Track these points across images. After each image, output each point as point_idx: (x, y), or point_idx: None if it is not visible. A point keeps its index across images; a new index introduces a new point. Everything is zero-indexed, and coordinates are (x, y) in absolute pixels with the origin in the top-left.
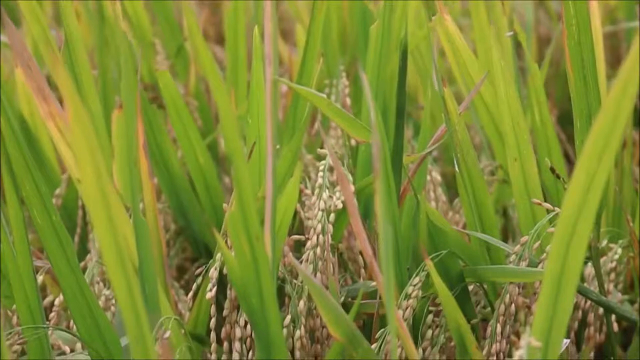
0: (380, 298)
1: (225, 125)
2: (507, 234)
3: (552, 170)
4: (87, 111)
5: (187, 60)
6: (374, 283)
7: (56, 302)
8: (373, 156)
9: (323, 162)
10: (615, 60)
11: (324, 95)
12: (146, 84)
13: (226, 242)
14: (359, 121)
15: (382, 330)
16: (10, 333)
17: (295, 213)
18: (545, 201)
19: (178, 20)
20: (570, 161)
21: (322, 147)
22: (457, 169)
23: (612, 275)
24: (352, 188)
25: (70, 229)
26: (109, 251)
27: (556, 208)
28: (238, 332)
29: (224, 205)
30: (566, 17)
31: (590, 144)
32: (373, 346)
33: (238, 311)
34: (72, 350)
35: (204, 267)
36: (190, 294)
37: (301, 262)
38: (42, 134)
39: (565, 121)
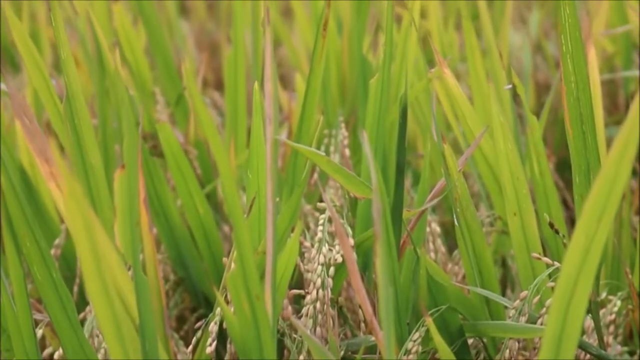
0: (380, 353)
1: (226, 186)
2: (506, 284)
3: (551, 225)
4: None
5: (186, 108)
6: (374, 338)
7: (56, 355)
8: (374, 218)
9: (323, 215)
10: (612, 107)
11: (323, 153)
12: (146, 133)
13: (225, 296)
14: (359, 178)
15: None
16: None
17: (295, 265)
18: (545, 254)
19: (177, 65)
20: (569, 207)
21: (321, 199)
22: (456, 223)
23: (612, 328)
24: (352, 242)
25: (69, 278)
26: (105, 321)
27: (555, 262)
28: None
29: (224, 259)
30: (565, 74)
31: (590, 206)
32: None
33: None
34: None
35: (203, 320)
36: (190, 347)
37: (301, 316)
38: (41, 183)
39: (563, 167)
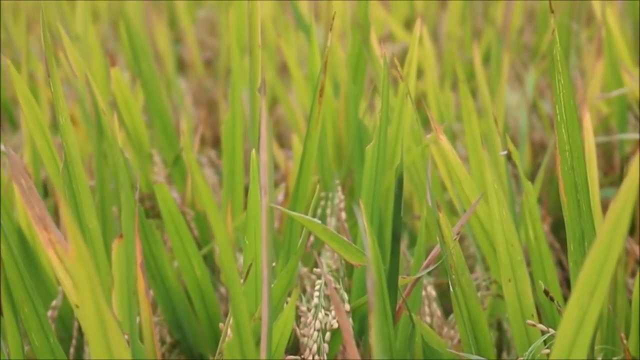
0: None
1: (223, 257)
2: (502, 347)
3: (546, 292)
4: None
5: (184, 169)
6: None
7: None
8: (368, 290)
9: (319, 281)
10: (608, 167)
11: (318, 221)
12: (144, 194)
13: None
14: (354, 246)
15: None
16: None
17: (291, 330)
18: (540, 319)
19: (175, 122)
20: (564, 269)
21: (318, 258)
22: (451, 289)
23: None
24: (348, 307)
25: (66, 339)
26: None
27: (550, 329)
28: None
29: (220, 324)
30: (559, 143)
31: (583, 280)
32: None
33: None
34: None
35: None
36: None
37: None
38: (39, 243)
39: (559, 227)
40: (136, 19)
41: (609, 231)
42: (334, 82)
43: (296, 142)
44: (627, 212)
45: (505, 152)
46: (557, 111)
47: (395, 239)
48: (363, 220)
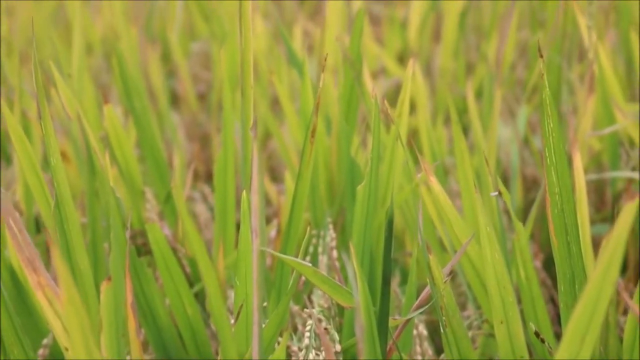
0: None
1: (213, 303)
2: None
3: (537, 334)
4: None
5: (175, 208)
6: None
7: None
8: (357, 336)
9: (310, 322)
10: (600, 203)
11: (309, 264)
12: (136, 230)
13: None
14: (344, 288)
15: None
16: None
17: None
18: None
19: (168, 157)
20: (556, 305)
21: (309, 302)
22: (442, 330)
23: None
24: (338, 348)
25: None
26: None
27: None
28: None
29: None
30: (549, 186)
31: (573, 326)
32: None
33: None
34: None
35: None
36: None
37: None
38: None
39: (551, 264)
40: (130, 52)
41: (599, 281)
42: (326, 118)
43: (288, 179)
44: (617, 259)
45: (496, 192)
46: (547, 154)
47: (385, 282)
48: (353, 265)
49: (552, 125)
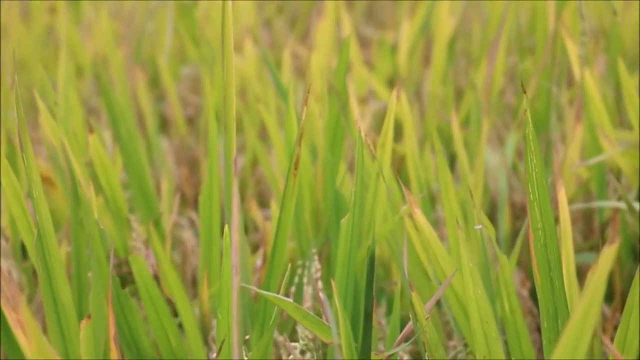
0: None
1: (192, 344)
2: None
3: None
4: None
5: (162, 232)
6: None
7: None
8: None
9: (291, 357)
10: (588, 231)
11: (291, 300)
12: (121, 259)
13: None
14: (326, 324)
15: None
16: None
17: None
18: None
19: (156, 181)
20: None
21: (295, 327)
22: None
23: None
24: None
25: None
26: None
27: None
28: None
29: None
30: (532, 221)
31: None
32: None
33: None
34: None
35: None
36: None
37: None
38: None
39: None
40: (118, 76)
41: (577, 329)
42: (312, 147)
43: (274, 207)
44: (597, 302)
45: (480, 226)
46: (530, 190)
47: (367, 317)
48: (335, 302)
49: (535, 161)
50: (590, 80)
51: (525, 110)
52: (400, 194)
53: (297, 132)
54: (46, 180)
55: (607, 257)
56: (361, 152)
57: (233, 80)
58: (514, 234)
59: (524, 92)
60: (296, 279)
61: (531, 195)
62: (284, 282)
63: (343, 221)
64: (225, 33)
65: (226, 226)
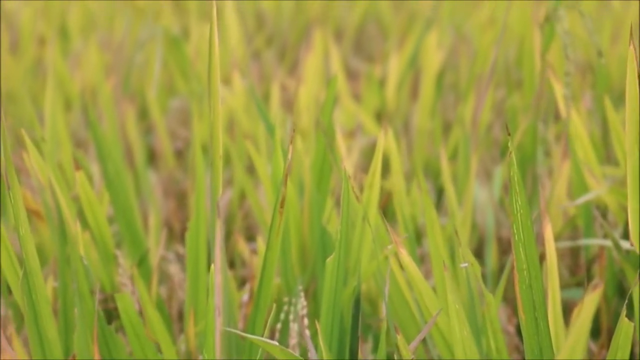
0: None
1: None
2: None
3: None
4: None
5: (149, 268)
6: None
7: None
8: None
9: None
10: (574, 266)
11: (276, 343)
12: (107, 294)
13: None
14: None
15: None
16: None
17: None
18: None
19: (144, 215)
20: None
21: None
22: None
23: None
24: None
25: None
26: None
27: None
28: None
29: None
30: (517, 262)
31: None
32: None
33: None
34: None
35: None
36: None
37: None
38: None
39: None
40: (107, 108)
41: None
42: (299, 183)
43: (260, 243)
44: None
45: (466, 264)
46: (515, 231)
47: (353, 357)
48: (320, 344)
49: (520, 202)
50: (577, 119)
51: (510, 152)
52: (389, 230)
53: (283, 171)
54: (34, 213)
55: (591, 301)
56: (347, 193)
57: (220, 120)
58: (501, 268)
59: (509, 134)
60: (282, 316)
61: (516, 236)
62: (269, 319)
63: (329, 260)
64: (212, 74)
65: (212, 266)
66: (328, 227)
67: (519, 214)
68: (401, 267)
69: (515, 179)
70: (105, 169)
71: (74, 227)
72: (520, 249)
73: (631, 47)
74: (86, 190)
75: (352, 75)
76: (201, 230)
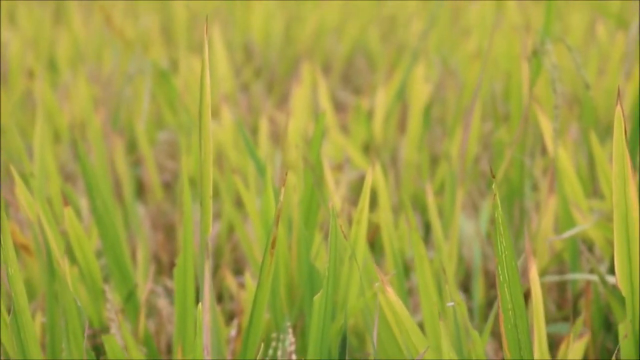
0: None
1: None
2: None
3: None
4: None
5: (137, 303)
6: None
7: None
8: None
9: None
10: (561, 300)
11: None
12: (96, 329)
13: None
14: None
15: None
16: None
17: None
18: None
19: (132, 248)
20: None
21: None
22: None
23: None
24: None
25: None
26: None
27: None
28: None
29: None
30: (502, 302)
31: None
32: None
33: None
34: None
35: None
36: None
37: None
38: None
39: None
40: (96, 141)
41: None
42: (287, 219)
43: (248, 279)
44: None
45: (452, 303)
46: (500, 272)
47: None
48: None
49: (504, 243)
50: (564, 154)
51: (495, 195)
52: (377, 264)
53: (274, 211)
54: (23, 248)
55: (577, 349)
56: (334, 231)
57: (210, 157)
58: (488, 302)
59: (494, 176)
60: (270, 352)
61: (501, 277)
62: (258, 356)
63: (316, 298)
64: (203, 117)
65: (200, 304)
66: (316, 262)
67: (503, 255)
68: (389, 304)
69: (500, 220)
70: (94, 203)
71: (62, 263)
72: (505, 289)
73: (618, 107)
74: (74, 226)
75: (340, 106)
76: (189, 266)
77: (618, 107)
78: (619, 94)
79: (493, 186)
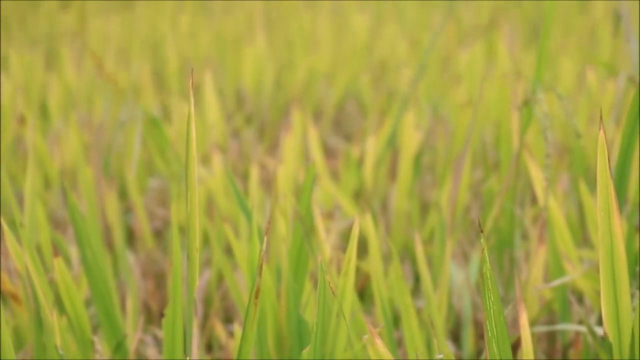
0: None
1: None
2: None
3: None
4: None
5: (126, 355)
6: None
7: None
8: None
9: None
10: (551, 350)
11: None
12: None
13: None
14: None
15: None
16: None
17: None
18: None
19: (122, 296)
20: None
21: None
22: None
23: None
24: None
25: None
26: None
27: None
28: None
29: None
30: (490, 357)
31: None
32: None
33: None
34: None
35: None
36: None
37: None
38: None
39: None
40: (87, 189)
41: None
42: (277, 268)
43: (237, 330)
44: None
45: (441, 355)
46: (488, 327)
47: None
48: None
49: (493, 299)
50: (554, 204)
51: (483, 249)
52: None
53: (259, 261)
54: (12, 296)
55: None
56: (323, 285)
57: (197, 211)
58: (478, 352)
59: (482, 231)
60: None
61: (489, 332)
62: None
63: (305, 352)
64: (189, 169)
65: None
66: (306, 311)
67: (491, 310)
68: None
69: (488, 274)
70: (84, 253)
71: (51, 315)
72: (494, 345)
73: (601, 131)
74: (64, 276)
75: (331, 152)
76: (177, 316)
77: (600, 159)
78: (599, 145)
79: (482, 240)
